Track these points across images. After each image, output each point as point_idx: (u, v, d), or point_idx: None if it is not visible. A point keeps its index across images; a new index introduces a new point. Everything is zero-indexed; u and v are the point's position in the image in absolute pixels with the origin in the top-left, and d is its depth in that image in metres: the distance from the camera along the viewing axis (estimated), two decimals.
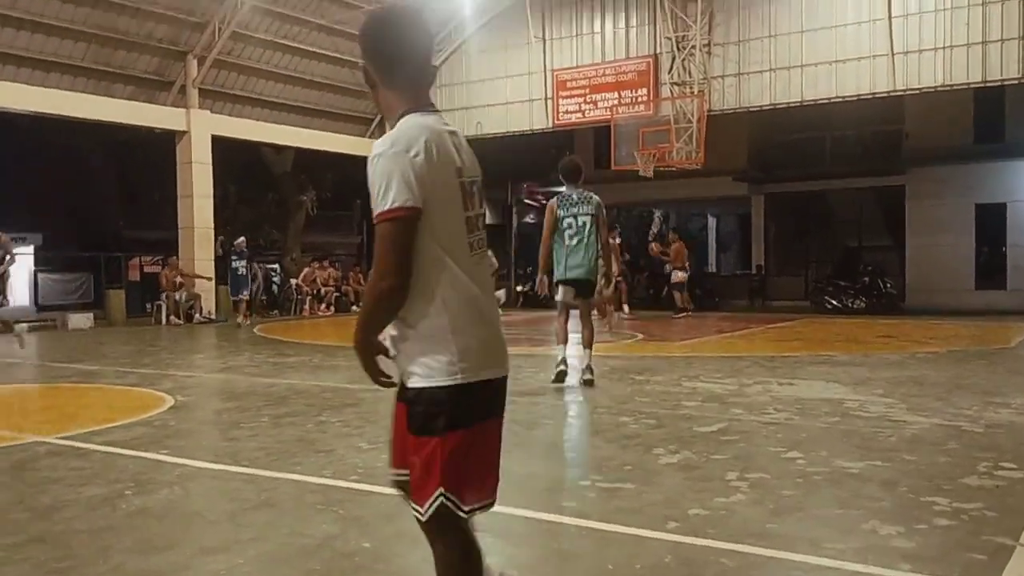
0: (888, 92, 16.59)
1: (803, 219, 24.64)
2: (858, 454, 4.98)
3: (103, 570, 3.28)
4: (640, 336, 13.65)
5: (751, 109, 18.15)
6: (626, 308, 17.59)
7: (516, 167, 23.83)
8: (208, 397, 8.13)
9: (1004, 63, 15.38)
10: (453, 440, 2.13)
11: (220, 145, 19.06)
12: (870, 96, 16.83)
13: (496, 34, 20.49)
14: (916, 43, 16.09)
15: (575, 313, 7.87)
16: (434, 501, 2.13)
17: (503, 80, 20.54)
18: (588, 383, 7.63)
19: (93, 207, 29.83)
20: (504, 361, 2.27)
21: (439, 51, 20.88)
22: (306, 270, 21.71)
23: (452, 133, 2.24)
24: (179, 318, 17.83)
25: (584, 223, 7.48)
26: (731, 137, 20.72)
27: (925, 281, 20.77)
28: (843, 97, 17.05)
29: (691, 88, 18.01)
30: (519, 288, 22.38)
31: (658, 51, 18.64)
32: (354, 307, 20.37)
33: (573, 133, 22.98)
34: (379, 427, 5.66)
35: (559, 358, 7.75)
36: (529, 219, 25.64)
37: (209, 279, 18.53)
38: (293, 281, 21.68)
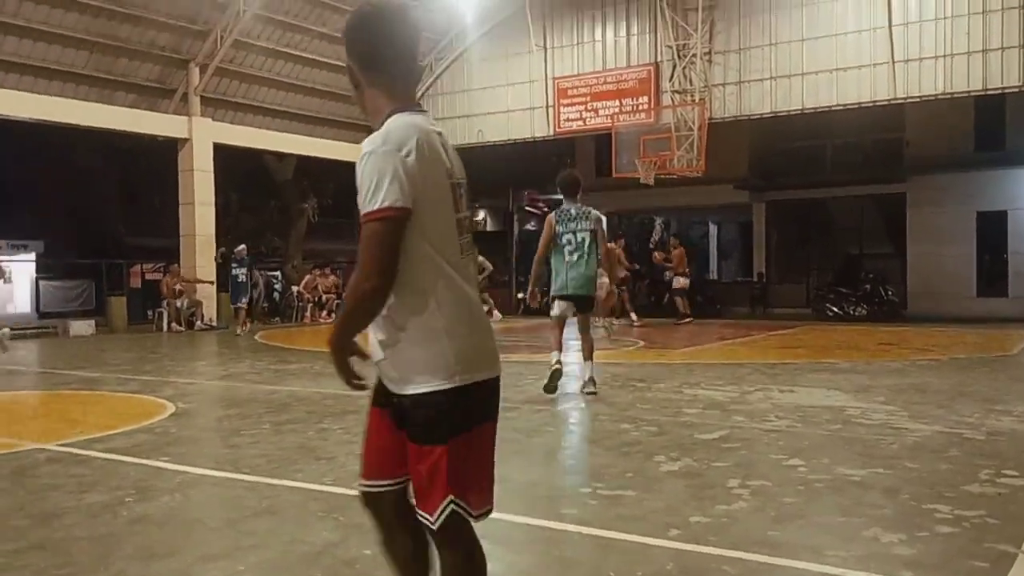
0: (889, 100, 16.62)
1: (804, 227, 24.60)
2: (860, 461, 4.97)
3: None
4: (641, 343, 13.64)
5: (752, 117, 18.16)
6: (634, 316, 17.51)
7: (517, 175, 23.84)
8: (209, 404, 8.14)
9: (1005, 71, 15.40)
10: (456, 446, 2.12)
11: (222, 153, 19.09)
12: (871, 104, 16.84)
13: (497, 42, 20.53)
14: (917, 51, 16.11)
15: (571, 321, 7.86)
16: (444, 508, 2.11)
17: (504, 88, 20.57)
18: (591, 395, 7.60)
19: (94, 214, 29.83)
20: (496, 362, 2.25)
21: (440, 59, 20.97)
22: (307, 277, 21.74)
23: (439, 134, 2.21)
24: (180, 325, 17.86)
25: (583, 239, 7.50)
26: (732, 145, 20.71)
27: (926, 288, 20.74)
28: (844, 105, 17.05)
29: (692, 96, 18.03)
30: (520, 295, 22.38)
31: (659, 59, 18.66)
32: None
33: (574, 141, 22.97)
34: None
35: (553, 360, 7.68)
36: (530, 226, 25.63)
37: (211, 283, 18.56)
38: (295, 288, 21.73)
